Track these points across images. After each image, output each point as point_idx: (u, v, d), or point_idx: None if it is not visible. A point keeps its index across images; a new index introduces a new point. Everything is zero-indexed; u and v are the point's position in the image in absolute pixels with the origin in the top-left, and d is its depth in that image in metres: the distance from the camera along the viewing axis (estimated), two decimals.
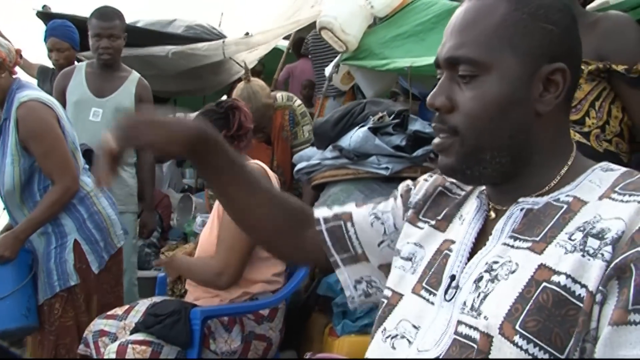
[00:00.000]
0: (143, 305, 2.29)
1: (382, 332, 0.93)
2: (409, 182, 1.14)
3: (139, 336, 2.04)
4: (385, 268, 1.08)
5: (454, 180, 1.04)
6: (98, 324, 2.27)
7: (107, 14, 3.22)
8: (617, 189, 0.79)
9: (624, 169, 0.84)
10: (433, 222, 1.00)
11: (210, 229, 2.24)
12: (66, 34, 3.79)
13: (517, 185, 0.87)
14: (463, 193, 1.02)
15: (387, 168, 2.59)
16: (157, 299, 2.35)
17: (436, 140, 0.90)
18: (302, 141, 3.35)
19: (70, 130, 2.55)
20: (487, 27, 0.84)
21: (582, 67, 1.46)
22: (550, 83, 0.84)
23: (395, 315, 0.93)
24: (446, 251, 0.93)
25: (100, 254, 2.56)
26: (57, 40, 3.76)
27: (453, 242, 0.93)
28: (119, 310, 2.33)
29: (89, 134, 3.05)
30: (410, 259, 0.99)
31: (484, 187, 0.96)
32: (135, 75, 3.34)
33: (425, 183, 1.08)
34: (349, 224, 1.12)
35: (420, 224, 1.02)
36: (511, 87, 0.83)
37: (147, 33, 5.05)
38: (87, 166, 2.63)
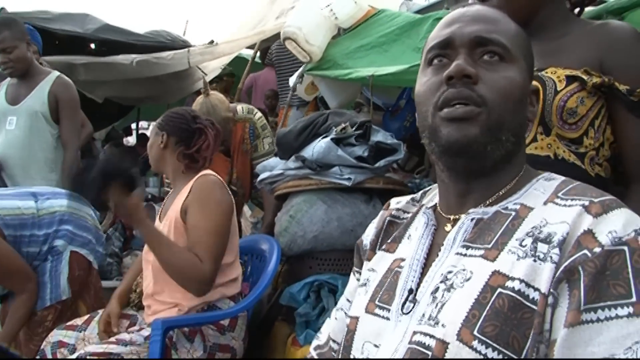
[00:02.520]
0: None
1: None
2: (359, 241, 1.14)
3: (97, 348, 2.01)
4: None
5: (400, 206, 1.07)
6: (57, 334, 2.23)
7: None
8: (560, 194, 0.84)
9: (563, 178, 0.89)
10: (384, 247, 1.03)
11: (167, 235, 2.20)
12: (35, 37, 3.73)
13: (477, 191, 0.91)
14: (409, 215, 1.04)
15: (349, 179, 2.61)
16: None
17: (461, 109, 0.85)
18: (262, 154, 3.34)
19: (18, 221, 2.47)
20: (510, 29, 0.93)
21: (584, 77, 1.38)
22: (530, 101, 0.94)
23: (357, 340, 0.94)
24: (397, 269, 0.95)
25: (96, 250, 2.64)
26: None
27: (403, 259, 0.95)
28: (78, 321, 2.30)
29: (6, 143, 3.14)
30: (365, 284, 1.01)
31: (432, 204, 1.00)
32: (52, 76, 3.27)
33: (373, 224, 1.11)
34: (331, 342, 1.09)
35: (375, 254, 1.05)
36: (524, 83, 0.91)
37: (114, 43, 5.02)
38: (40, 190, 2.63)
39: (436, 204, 0.99)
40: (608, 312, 0.71)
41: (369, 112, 5.22)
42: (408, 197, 1.10)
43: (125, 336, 2.09)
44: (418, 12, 4.49)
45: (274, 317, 2.84)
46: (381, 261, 1.01)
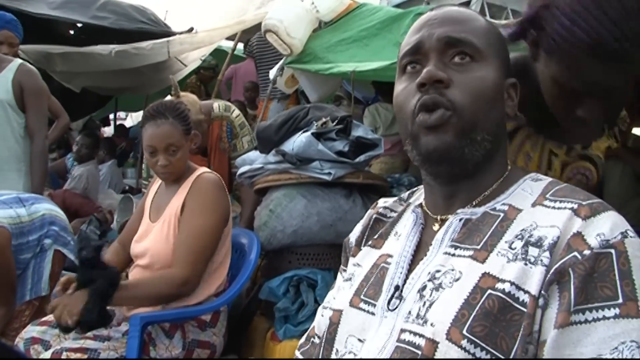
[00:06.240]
0: None
1: (335, 353, 0.94)
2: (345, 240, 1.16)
3: (73, 343, 1.98)
4: None
5: (387, 205, 1.09)
6: (30, 330, 2.18)
7: None
8: (548, 195, 0.86)
9: (550, 179, 0.91)
10: (370, 243, 1.04)
11: (167, 237, 2.16)
12: (18, 28, 3.63)
13: (464, 190, 0.92)
14: (396, 214, 1.06)
15: (329, 173, 2.61)
16: None
17: (433, 117, 0.86)
18: (242, 153, 3.28)
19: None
20: (479, 27, 0.93)
21: None
22: (510, 95, 0.95)
23: (341, 333, 0.94)
24: (383, 264, 0.95)
25: (73, 249, 2.68)
26: (10, 34, 3.59)
27: (390, 255, 0.95)
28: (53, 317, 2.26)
29: None
30: (350, 279, 1.01)
31: (419, 202, 1.01)
32: (15, 64, 3.17)
33: (359, 223, 1.13)
34: (315, 337, 1.10)
35: (361, 250, 1.06)
36: (499, 79, 0.91)
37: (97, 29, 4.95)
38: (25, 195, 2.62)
39: (422, 203, 1.00)
40: (596, 313, 0.72)
41: (349, 105, 5.24)
42: (395, 197, 1.11)
43: (102, 332, 2.07)
44: (397, 6, 4.51)
45: (252, 311, 2.84)
46: (367, 256, 1.01)
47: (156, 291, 2.06)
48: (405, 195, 1.10)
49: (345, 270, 1.10)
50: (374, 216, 1.09)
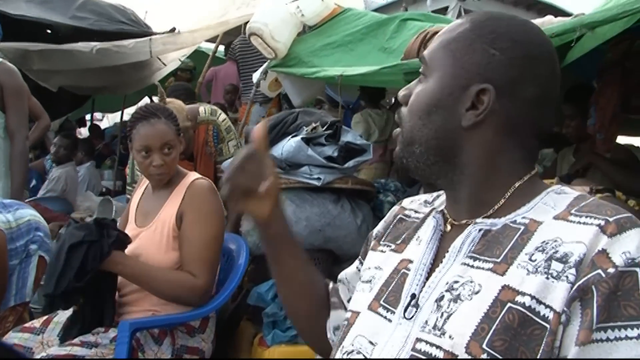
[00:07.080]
0: (63, 315, 2.18)
1: (341, 350, 0.94)
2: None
3: (60, 350, 1.94)
4: None
5: (412, 207, 1.10)
6: (12, 337, 2.12)
7: None
8: (573, 211, 0.83)
9: (577, 193, 0.88)
10: (393, 246, 1.03)
11: (159, 244, 2.14)
12: None
13: (465, 198, 0.92)
14: (421, 216, 1.05)
15: (319, 178, 2.60)
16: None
17: (395, 130, 0.95)
18: (228, 157, 3.26)
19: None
20: (446, 40, 0.93)
21: None
22: (479, 102, 0.88)
23: (352, 332, 0.95)
24: (404, 270, 0.95)
25: None
26: None
27: (411, 261, 0.95)
28: (36, 323, 2.20)
29: None
30: (369, 281, 1.01)
31: (441, 208, 1.00)
32: None
33: (383, 219, 1.15)
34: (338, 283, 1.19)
35: (381, 248, 1.06)
36: (440, 93, 0.90)
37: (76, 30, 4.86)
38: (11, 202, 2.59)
39: (444, 208, 1.00)
40: (618, 332, 0.71)
41: (329, 109, 5.25)
42: (422, 199, 1.11)
43: (89, 338, 2.03)
44: (376, 10, 4.52)
45: (239, 317, 2.82)
46: (388, 260, 1.01)
47: (176, 294, 2.07)
48: (430, 197, 1.10)
49: (360, 262, 1.14)
50: (399, 215, 1.10)
